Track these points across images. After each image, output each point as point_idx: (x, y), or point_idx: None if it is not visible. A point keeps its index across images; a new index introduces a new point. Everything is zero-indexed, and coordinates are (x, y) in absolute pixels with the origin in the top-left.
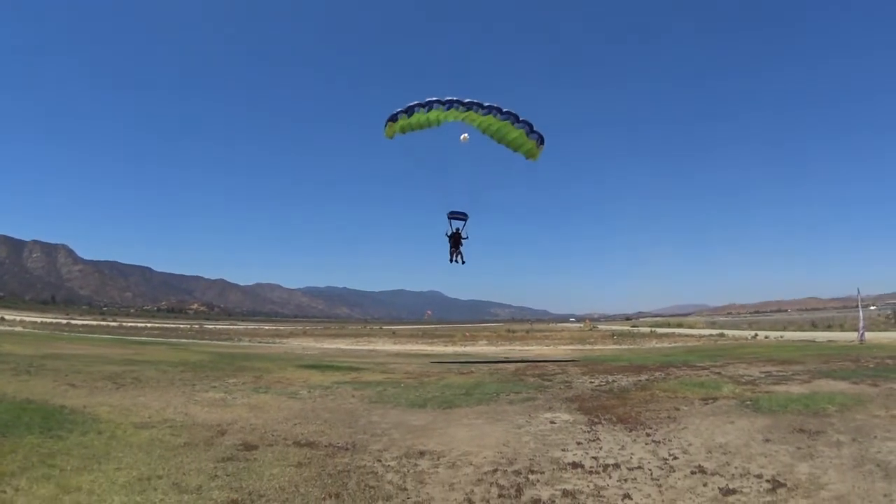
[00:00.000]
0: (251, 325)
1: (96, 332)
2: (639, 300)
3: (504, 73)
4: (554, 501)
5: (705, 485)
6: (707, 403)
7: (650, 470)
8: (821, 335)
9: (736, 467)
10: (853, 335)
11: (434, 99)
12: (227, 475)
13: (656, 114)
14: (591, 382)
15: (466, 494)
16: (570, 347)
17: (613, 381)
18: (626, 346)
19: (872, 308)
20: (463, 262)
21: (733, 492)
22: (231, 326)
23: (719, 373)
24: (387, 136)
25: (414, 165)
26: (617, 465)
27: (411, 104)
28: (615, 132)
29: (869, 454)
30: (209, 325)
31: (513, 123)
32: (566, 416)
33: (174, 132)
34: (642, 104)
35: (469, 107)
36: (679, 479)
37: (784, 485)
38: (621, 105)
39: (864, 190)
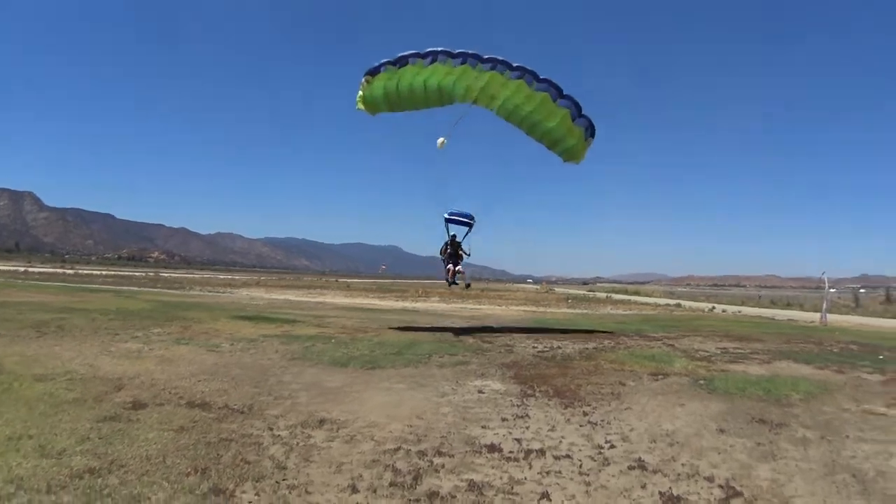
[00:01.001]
0: (207, 275)
1: (50, 281)
2: (597, 265)
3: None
4: (454, 497)
5: (644, 486)
6: (657, 379)
7: (580, 461)
8: (780, 313)
9: (683, 464)
10: (813, 316)
11: (439, 49)
12: (100, 438)
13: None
14: (534, 347)
15: (352, 479)
16: (523, 309)
17: (559, 347)
18: (579, 311)
19: (833, 291)
20: (468, 286)
21: (677, 500)
22: (187, 275)
23: (673, 345)
24: (363, 108)
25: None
26: (542, 452)
27: (403, 54)
28: (580, 89)
29: (841, 458)
30: (165, 274)
31: (554, 99)
32: (498, 385)
33: (140, 78)
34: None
35: (493, 65)
36: (613, 475)
37: (740, 494)
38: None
39: (832, 179)
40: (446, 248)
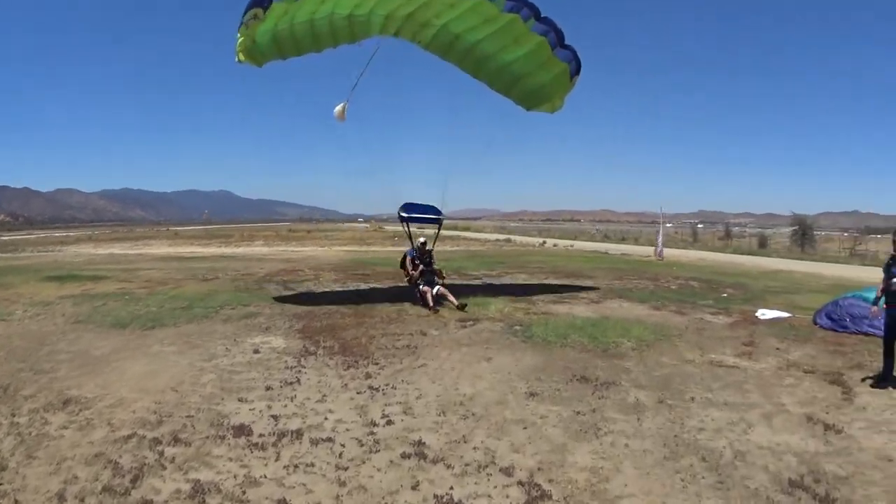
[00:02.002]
0: (42, 234)
1: None
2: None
3: None
4: None
5: (416, 487)
6: (465, 326)
7: (343, 446)
8: (614, 247)
9: (476, 448)
10: (649, 250)
11: None
12: None
13: None
14: (338, 292)
15: (65, 483)
16: (345, 248)
17: (366, 290)
18: (402, 249)
19: (669, 226)
20: (464, 307)
21: None
22: (27, 237)
23: (492, 284)
24: (245, 60)
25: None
26: (299, 434)
27: None
28: None
29: (686, 432)
30: (6, 237)
31: (526, 20)
32: (279, 342)
33: None
34: None
35: None
36: (379, 468)
37: (548, 495)
38: None
39: (668, 115)
40: (414, 262)
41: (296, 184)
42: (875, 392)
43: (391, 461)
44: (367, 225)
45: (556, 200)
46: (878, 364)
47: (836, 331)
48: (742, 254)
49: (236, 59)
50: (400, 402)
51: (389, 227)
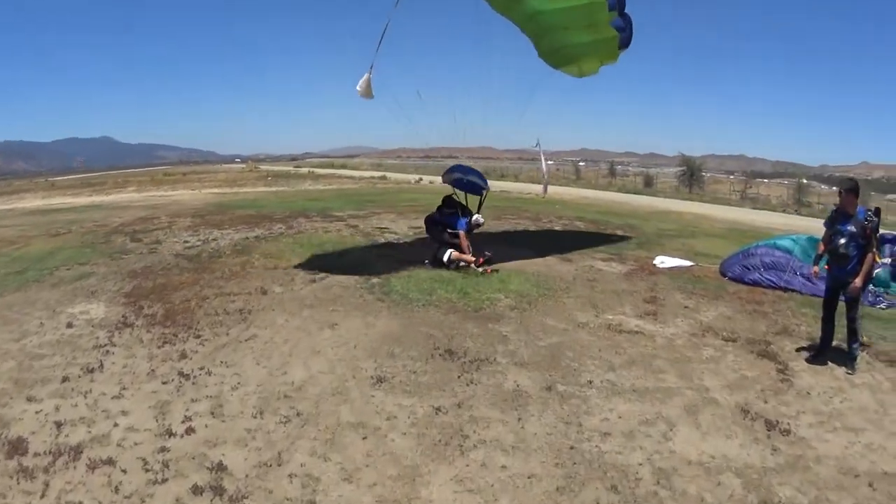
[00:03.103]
0: None
1: None
2: (307, 141)
3: None
4: None
5: None
6: (313, 282)
7: (124, 471)
8: (494, 184)
9: (291, 477)
10: (529, 187)
11: None
12: None
13: None
14: (185, 242)
15: None
16: (216, 191)
17: (215, 239)
18: (274, 189)
19: (550, 163)
20: (489, 268)
21: None
22: None
23: (356, 226)
24: None
25: None
26: (78, 452)
27: None
28: None
29: (587, 442)
30: None
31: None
32: (99, 311)
33: None
34: None
35: None
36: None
37: None
38: None
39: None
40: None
41: (177, 126)
42: (815, 370)
43: (177, 500)
44: (244, 165)
45: (433, 137)
46: (806, 328)
47: (744, 282)
48: (627, 192)
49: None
50: (210, 397)
51: (265, 167)
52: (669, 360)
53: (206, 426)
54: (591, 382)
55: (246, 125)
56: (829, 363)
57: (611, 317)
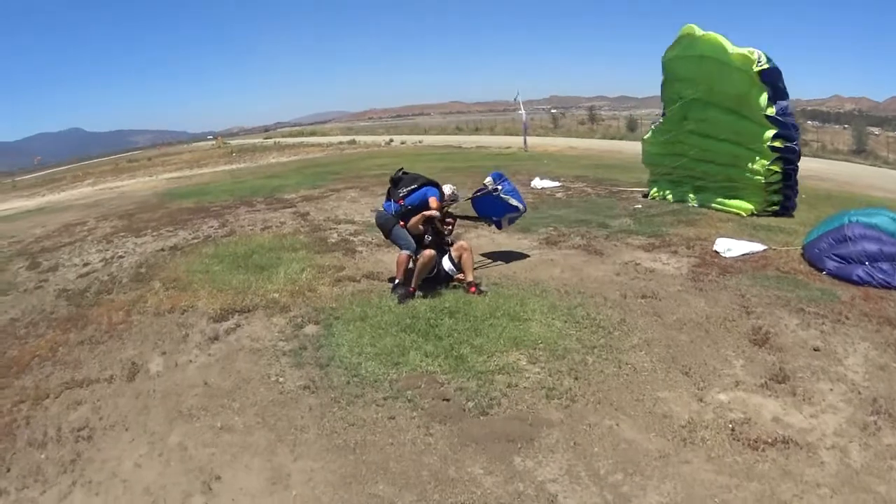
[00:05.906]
0: None
1: None
2: (280, 112)
3: None
4: None
5: None
6: (215, 339)
7: None
8: (468, 140)
9: None
10: (507, 140)
11: None
12: None
13: None
14: (85, 265)
15: None
16: (174, 175)
17: (122, 256)
18: (238, 166)
19: (521, 113)
20: (478, 288)
21: None
22: None
23: (307, 214)
24: None
25: None
26: None
27: None
28: None
29: None
30: None
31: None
32: None
33: None
34: None
35: None
36: None
37: None
38: None
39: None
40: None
41: (147, 109)
42: None
43: None
44: (214, 142)
45: (403, 97)
46: None
47: (851, 281)
48: (612, 139)
49: None
50: None
51: (237, 142)
52: None
53: None
54: None
55: (218, 100)
56: None
57: (723, 397)
